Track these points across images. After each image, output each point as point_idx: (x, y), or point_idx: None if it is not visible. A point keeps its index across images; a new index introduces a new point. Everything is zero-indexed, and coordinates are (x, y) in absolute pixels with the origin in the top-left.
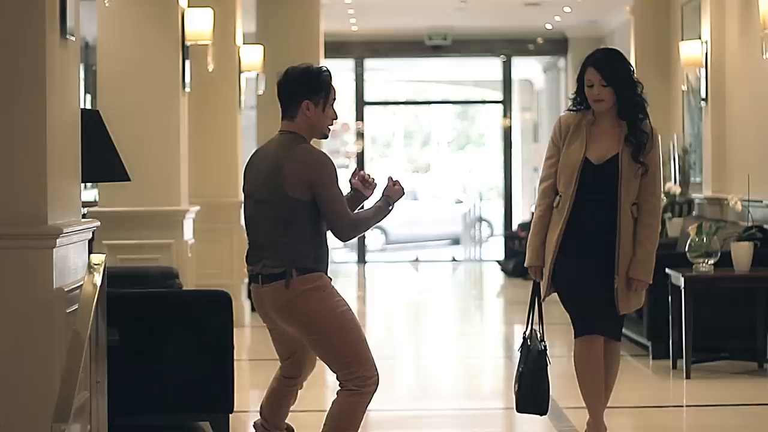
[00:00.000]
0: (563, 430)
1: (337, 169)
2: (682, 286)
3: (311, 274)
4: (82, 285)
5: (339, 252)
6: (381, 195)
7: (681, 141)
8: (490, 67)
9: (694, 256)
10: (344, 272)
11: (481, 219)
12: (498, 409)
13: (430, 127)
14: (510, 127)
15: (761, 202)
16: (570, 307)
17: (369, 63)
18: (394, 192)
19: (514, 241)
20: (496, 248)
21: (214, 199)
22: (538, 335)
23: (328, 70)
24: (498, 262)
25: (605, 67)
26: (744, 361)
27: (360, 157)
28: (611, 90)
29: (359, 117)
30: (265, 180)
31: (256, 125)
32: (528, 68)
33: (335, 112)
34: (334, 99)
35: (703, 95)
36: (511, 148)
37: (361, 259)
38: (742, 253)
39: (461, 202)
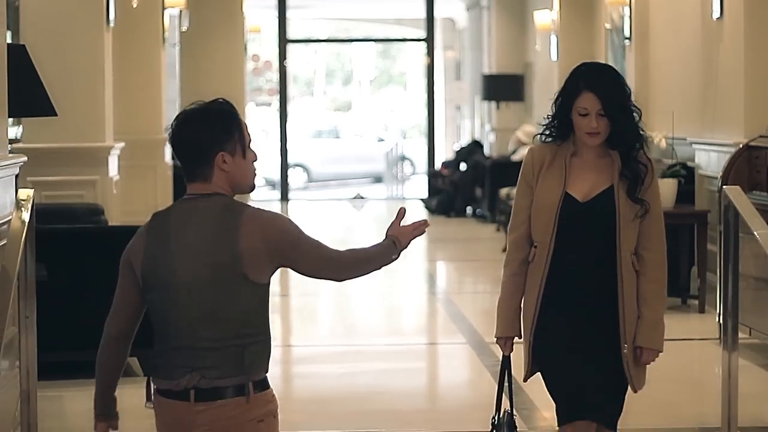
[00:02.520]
0: (489, 364)
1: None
2: None
3: (267, 392)
4: (9, 221)
5: (262, 190)
6: (386, 235)
7: None
8: (413, 5)
9: None
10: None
11: (403, 157)
12: (421, 344)
13: (352, 66)
14: (432, 65)
15: (685, 139)
16: (557, 390)
17: (291, 0)
18: (403, 234)
19: (437, 179)
20: (419, 186)
21: (138, 136)
22: (507, 415)
23: (227, 101)
24: (422, 199)
25: (605, 92)
26: (668, 297)
27: (282, 96)
28: (607, 120)
29: (282, 55)
30: (208, 262)
31: (179, 62)
32: (451, 6)
33: (254, 152)
34: (250, 138)
35: (627, 34)
36: (433, 86)
37: (284, 197)
38: (666, 190)
39: (383, 140)
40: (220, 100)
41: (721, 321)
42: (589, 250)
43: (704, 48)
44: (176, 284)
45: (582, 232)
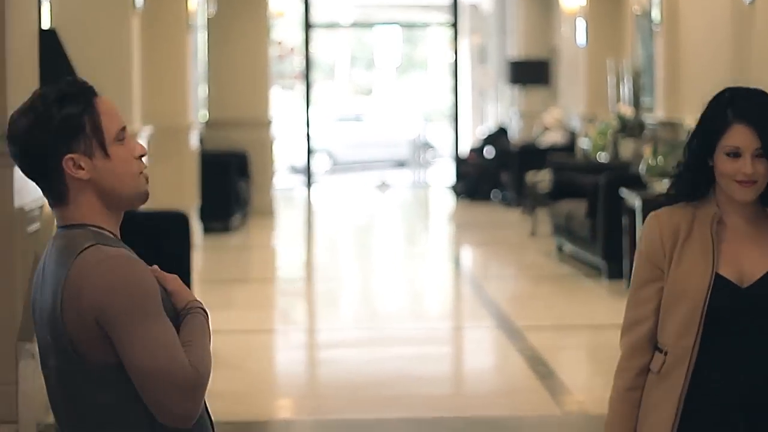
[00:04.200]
0: (518, 348)
1: (154, 283)
2: (638, 206)
3: None
4: (43, 205)
5: (285, 177)
6: (182, 305)
7: (632, 64)
8: None
9: (649, 177)
10: (291, 197)
11: (427, 143)
12: (448, 328)
13: (376, 51)
14: (457, 50)
15: None
16: None
17: None
18: (181, 292)
19: (463, 163)
20: (442, 171)
21: (163, 121)
22: None
23: (76, 81)
24: (451, 187)
25: (764, 124)
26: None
27: (307, 81)
28: (767, 163)
29: (306, 40)
30: (44, 329)
31: (205, 47)
32: None
33: (136, 145)
34: (121, 125)
35: (656, 18)
36: (458, 71)
37: (309, 183)
38: None
39: (408, 125)
40: (68, 80)
41: None
42: (756, 363)
43: (735, 33)
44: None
45: (740, 328)
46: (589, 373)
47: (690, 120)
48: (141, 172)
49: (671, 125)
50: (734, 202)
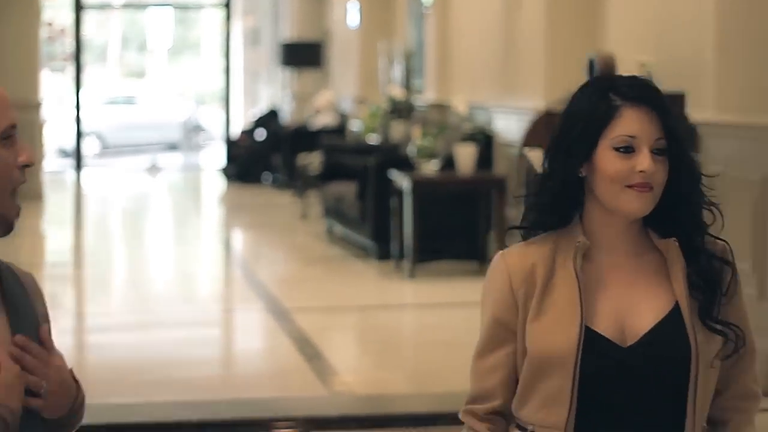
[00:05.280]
0: (287, 330)
1: None
2: (407, 188)
3: None
4: None
5: (54, 161)
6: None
7: (404, 46)
8: None
9: (418, 159)
10: (60, 181)
11: (198, 126)
12: (218, 311)
13: (148, 33)
14: (230, 31)
15: (484, 106)
16: None
17: None
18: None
19: (234, 146)
20: (214, 154)
21: None
22: None
23: None
24: (222, 169)
25: (665, 110)
26: (466, 261)
27: (77, 63)
28: (668, 163)
29: (77, 21)
30: None
31: None
32: None
33: (26, 149)
34: (10, 122)
35: (427, 1)
36: (230, 53)
37: (78, 166)
38: (465, 155)
39: (179, 108)
40: None
41: None
42: None
43: (504, 15)
44: None
45: (630, 406)
46: (356, 353)
47: (461, 101)
48: (14, 191)
49: (440, 107)
50: (612, 226)
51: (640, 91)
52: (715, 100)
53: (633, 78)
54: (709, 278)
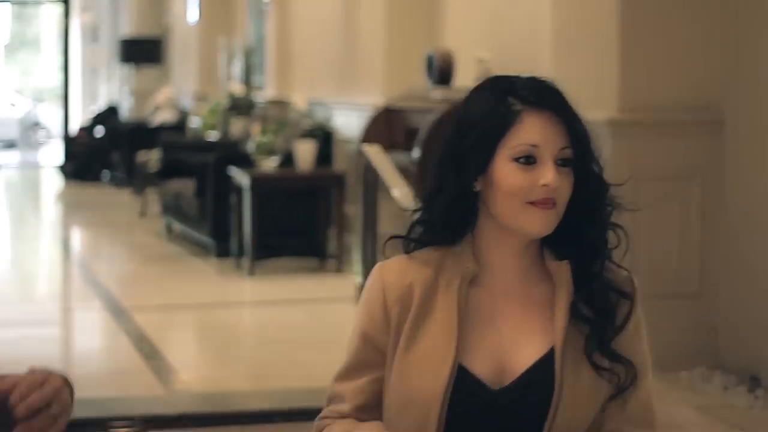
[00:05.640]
0: (126, 329)
1: None
2: (246, 185)
3: None
4: None
5: None
6: None
7: (244, 42)
8: None
9: (258, 155)
10: None
11: (37, 123)
12: (56, 310)
13: None
14: (69, 28)
15: (323, 103)
16: None
17: None
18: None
19: (73, 144)
20: (53, 152)
21: None
22: None
23: None
24: (60, 167)
25: (571, 116)
26: (305, 258)
27: None
28: (573, 176)
29: None
30: None
31: None
32: None
33: None
34: None
35: None
36: (69, 49)
37: None
38: (304, 152)
39: (15, 105)
40: None
41: (359, 280)
42: None
43: (344, 11)
44: None
45: None
46: (195, 351)
47: (301, 98)
48: None
49: (280, 103)
50: (507, 247)
51: (543, 94)
52: None
53: (534, 79)
54: (600, 309)
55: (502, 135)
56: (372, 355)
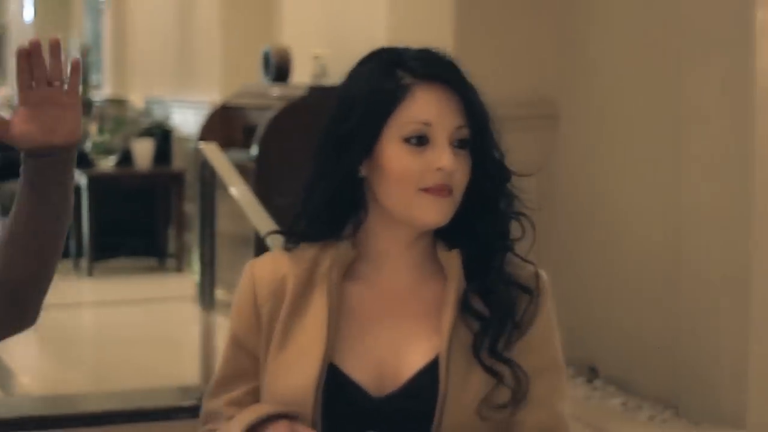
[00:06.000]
0: None
1: None
2: (84, 184)
3: None
4: None
5: None
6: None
7: (81, 41)
8: None
9: (95, 155)
10: None
11: None
12: None
13: None
14: None
15: (161, 101)
16: None
17: None
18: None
19: None
20: None
21: None
22: None
23: None
24: None
25: (467, 90)
26: (145, 258)
27: None
28: (470, 158)
29: None
30: None
31: None
32: None
33: None
34: None
35: None
36: None
37: None
38: (142, 150)
39: None
40: None
41: (197, 279)
42: None
43: (180, 9)
44: None
45: None
46: (34, 354)
47: (136, 98)
48: None
49: (118, 102)
50: (397, 240)
51: (436, 66)
52: None
53: (426, 50)
54: (496, 305)
55: (389, 112)
56: (245, 363)
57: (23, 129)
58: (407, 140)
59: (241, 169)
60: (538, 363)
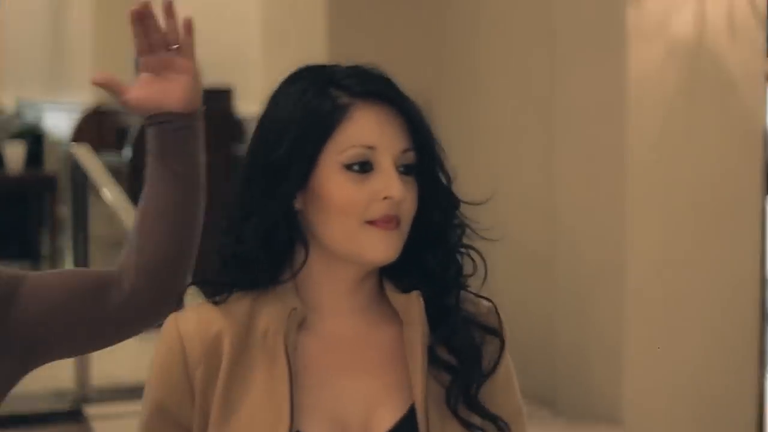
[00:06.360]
0: None
1: None
2: None
3: None
4: None
5: None
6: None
7: None
8: None
9: None
10: None
11: None
12: None
13: None
14: None
15: (33, 103)
16: None
17: None
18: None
19: None
20: None
21: None
22: None
23: None
24: None
25: (411, 109)
26: (19, 262)
27: None
28: (418, 185)
29: None
30: None
31: None
32: None
33: None
34: None
35: None
36: None
37: None
38: (14, 154)
39: None
40: None
41: None
42: None
43: (52, 9)
44: None
45: None
46: None
47: (7, 99)
48: None
49: None
50: (339, 281)
51: (374, 83)
52: (263, 93)
53: (358, 67)
54: (463, 352)
55: (326, 136)
56: None
57: (139, 95)
58: (348, 167)
59: (115, 172)
60: (507, 405)
